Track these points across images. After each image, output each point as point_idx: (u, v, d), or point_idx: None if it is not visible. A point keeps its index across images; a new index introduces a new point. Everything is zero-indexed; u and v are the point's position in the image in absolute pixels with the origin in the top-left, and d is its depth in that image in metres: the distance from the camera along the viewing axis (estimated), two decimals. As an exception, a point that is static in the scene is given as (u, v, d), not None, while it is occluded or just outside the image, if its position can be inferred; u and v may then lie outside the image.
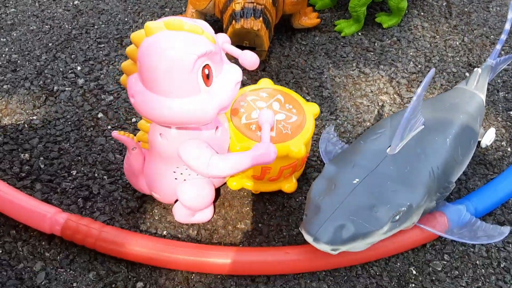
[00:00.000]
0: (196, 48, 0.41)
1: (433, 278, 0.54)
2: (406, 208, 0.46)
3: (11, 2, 0.89)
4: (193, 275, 0.52)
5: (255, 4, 0.72)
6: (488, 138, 0.63)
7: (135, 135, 0.51)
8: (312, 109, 0.58)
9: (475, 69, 0.64)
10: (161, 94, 0.42)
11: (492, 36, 0.87)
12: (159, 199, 0.55)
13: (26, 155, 0.63)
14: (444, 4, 0.95)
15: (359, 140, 0.54)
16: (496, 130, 0.70)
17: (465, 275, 0.54)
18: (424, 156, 0.51)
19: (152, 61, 0.41)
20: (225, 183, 0.58)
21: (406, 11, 0.92)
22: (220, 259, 0.51)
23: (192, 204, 0.53)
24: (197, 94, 0.43)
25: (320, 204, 0.46)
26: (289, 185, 0.59)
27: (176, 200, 0.55)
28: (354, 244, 0.45)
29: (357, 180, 0.47)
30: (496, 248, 0.56)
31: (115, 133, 0.48)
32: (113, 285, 0.51)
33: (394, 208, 0.46)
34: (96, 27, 0.84)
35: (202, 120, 0.45)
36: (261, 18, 0.72)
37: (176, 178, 0.52)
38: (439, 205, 0.54)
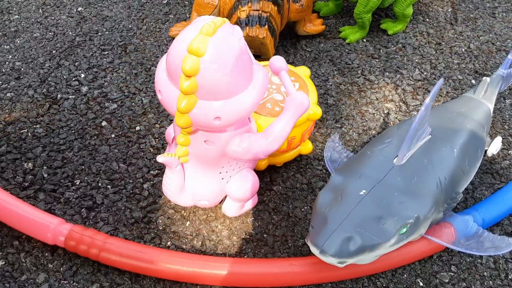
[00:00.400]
0: (238, 31, 0.42)
1: (441, 290, 0.53)
2: (414, 220, 0.46)
3: (14, 9, 0.89)
4: (198, 287, 0.52)
5: (260, 12, 0.72)
6: (495, 147, 0.63)
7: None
8: (304, 71, 0.62)
9: (484, 78, 0.63)
10: (244, 88, 0.43)
11: (498, 43, 0.87)
12: (206, 206, 0.55)
13: (30, 164, 0.62)
14: (449, 10, 0.95)
15: (366, 149, 0.54)
16: (503, 138, 0.69)
17: (473, 287, 0.53)
18: (431, 166, 0.50)
19: (225, 68, 0.40)
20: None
21: (411, 17, 0.91)
22: (225, 270, 0.50)
23: (245, 195, 0.54)
24: (253, 68, 0.44)
25: (326, 216, 0.46)
26: (306, 148, 0.63)
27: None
28: (361, 256, 0.45)
29: (364, 191, 0.47)
30: (504, 259, 0.56)
31: (161, 158, 0.47)
32: (117, 297, 0.51)
33: (401, 220, 0.45)
34: (100, 34, 0.84)
35: (267, 84, 0.46)
36: (266, 26, 0.72)
37: (223, 178, 0.52)
38: (446, 216, 0.53)
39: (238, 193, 0.53)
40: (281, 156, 0.61)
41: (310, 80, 0.61)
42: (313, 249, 0.45)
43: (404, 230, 0.45)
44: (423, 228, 0.48)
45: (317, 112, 0.57)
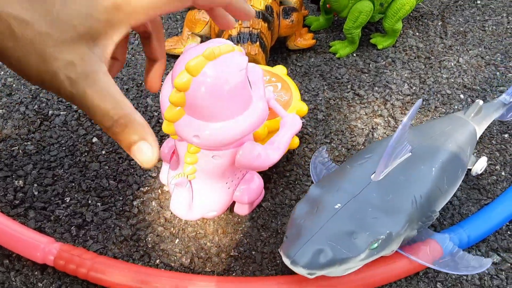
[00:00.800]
0: (242, 63, 0.42)
1: (426, 307, 0.54)
2: (385, 236, 0.47)
3: (7, 23, 0.89)
4: (186, 305, 0.52)
5: (251, 28, 0.72)
6: (480, 166, 0.63)
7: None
8: (281, 70, 0.65)
9: (477, 100, 0.64)
10: (228, 118, 0.44)
11: (487, 57, 0.88)
12: (215, 215, 0.56)
13: (20, 181, 0.63)
14: (439, 24, 0.96)
15: (346, 164, 0.55)
16: (490, 153, 0.70)
17: (458, 304, 0.54)
18: (407, 184, 0.51)
19: (213, 93, 0.41)
20: None
21: (401, 31, 0.92)
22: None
23: (253, 196, 0.57)
24: (252, 99, 0.46)
25: (300, 227, 0.47)
26: (293, 143, 0.65)
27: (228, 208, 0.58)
28: (331, 269, 0.46)
29: (339, 205, 0.48)
30: (489, 276, 0.56)
31: (174, 180, 0.49)
32: (105, 316, 0.51)
33: (373, 235, 0.46)
34: (92, 49, 0.84)
35: (265, 117, 0.47)
36: (257, 43, 0.72)
37: (229, 188, 0.54)
38: (423, 233, 0.54)
39: (248, 197, 0.56)
40: None
41: (289, 77, 0.65)
42: (285, 259, 0.46)
43: (375, 245, 0.46)
44: (395, 245, 0.49)
45: (303, 108, 0.61)
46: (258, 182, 0.58)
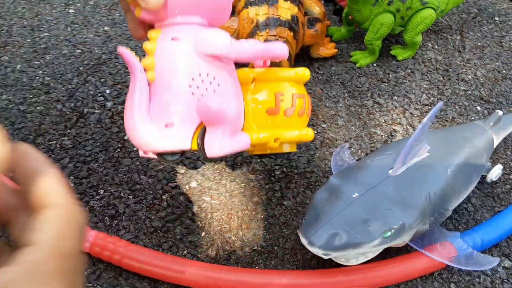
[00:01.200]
0: None
1: (439, 305, 0.56)
2: (398, 227, 0.50)
3: (44, 26, 0.94)
4: (211, 293, 0.55)
5: (277, 37, 0.76)
6: (494, 174, 0.66)
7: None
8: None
9: (496, 111, 0.67)
10: None
11: (504, 71, 0.90)
12: (176, 147, 0.45)
13: (58, 174, 0.66)
14: (458, 38, 0.98)
15: (367, 158, 0.59)
16: (505, 163, 0.72)
17: (470, 303, 0.57)
18: (423, 181, 0.55)
19: None
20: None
21: (421, 44, 0.95)
22: (236, 278, 0.54)
23: (221, 115, 0.44)
24: None
25: (319, 212, 0.51)
26: (307, 134, 0.55)
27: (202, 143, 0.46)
28: (345, 252, 0.49)
29: (357, 194, 0.52)
30: (500, 280, 0.59)
31: (122, 48, 0.44)
32: (137, 301, 0.54)
33: (386, 224, 0.50)
34: (124, 52, 0.89)
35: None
36: (282, 50, 0.76)
37: (193, 93, 0.45)
38: (434, 230, 0.57)
39: (213, 111, 0.44)
40: (276, 131, 0.52)
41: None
42: (303, 240, 0.51)
43: (388, 234, 0.50)
44: (406, 236, 0.53)
45: (305, 72, 0.55)
46: (229, 98, 0.46)
